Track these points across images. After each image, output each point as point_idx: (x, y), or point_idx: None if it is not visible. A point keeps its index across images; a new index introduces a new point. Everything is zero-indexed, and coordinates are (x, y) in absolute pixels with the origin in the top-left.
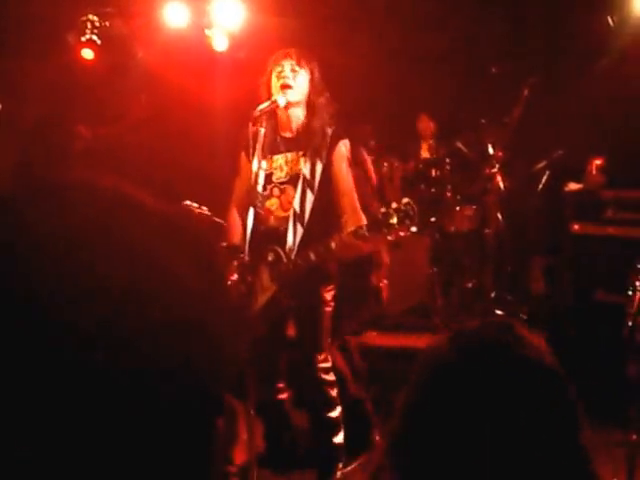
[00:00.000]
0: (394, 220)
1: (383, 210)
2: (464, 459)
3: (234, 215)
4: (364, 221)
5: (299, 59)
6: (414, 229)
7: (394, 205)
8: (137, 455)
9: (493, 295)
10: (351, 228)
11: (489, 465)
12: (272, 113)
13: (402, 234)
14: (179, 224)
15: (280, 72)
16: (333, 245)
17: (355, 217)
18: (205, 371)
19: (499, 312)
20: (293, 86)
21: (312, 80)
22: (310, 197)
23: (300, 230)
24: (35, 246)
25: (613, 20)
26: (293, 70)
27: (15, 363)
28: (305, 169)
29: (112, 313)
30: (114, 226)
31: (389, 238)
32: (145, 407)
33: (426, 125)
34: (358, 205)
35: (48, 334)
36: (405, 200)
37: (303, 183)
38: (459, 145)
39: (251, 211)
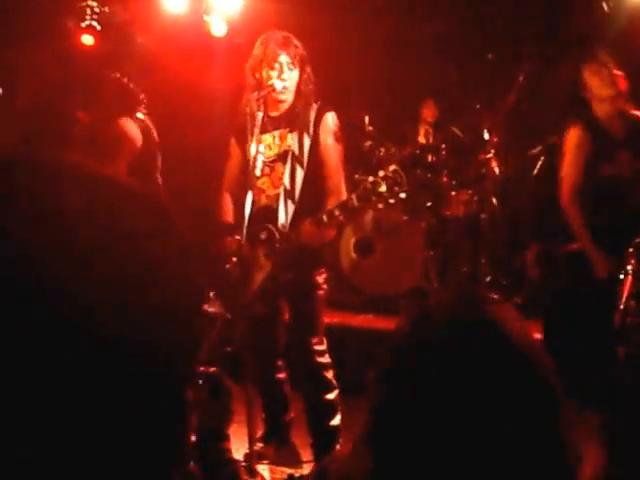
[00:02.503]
0: (383, 188)
1: (372, 179)
2: (431, 445)
3: (226, 197)
4: (342, 198)
5: (294, 55)
6: (403, 195)
7: (381, 173)
8: (107, 425)
9: (488, 279)
10: (333, 204)
11: (459, 450)
12: (266, 95)
13: (392, 201)
14: (162, 205)
15: (280, 72)
16: (325, 219)
17: (336, 195)
18: (171, 343)
19: (494, 296)
20: (289, 86)
21: (302, 72)
22: (300, 173)
23: (291, 206)
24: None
25: (608, 5)
26: (290, 69)
27: (11, 360)
28: (293, 145)
29: (98, 295)
30: (100, 209)
31: (379, 206)
32: (113, 385)
33: (432, 112)
34: (342, 183)
35: (45, 328)
36: (392, 167)
37: (292, 159)
38: (455, 130)
39: (249, 195)
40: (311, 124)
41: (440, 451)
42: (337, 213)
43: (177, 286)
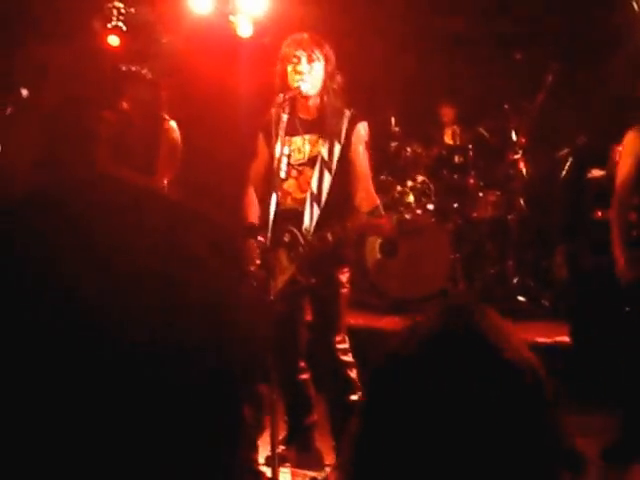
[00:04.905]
0: (411, 198)
1: (399, 189)
2: (415, 456)
3: (251, 196)
4: (378, 201)
5: (312, 48)
6: (431, 207)
7: (410, 183)
8: (162, 441)
9: (515, 281)
10: (365, 209)
11: (447, 461)
12: (292, 98)
13: (419, 212)
14: (201, 216)
15: (296, 65)
16: (350, 226)
17: (369, 199)
18: (233, 357)
19: (521, 298)
20: (309, 80)
21: (326, 66)
22: (328, 178)
23: (317, 211)
24: (73, 241)
25: (638, 5)
26: (308, 62)
27: (49, 362)
28: (323, 150)
29: (146, 305)
30: (142, 220)
31: (406, 216)
32: (172, 395)
33: (447, 112)
34: (372, 188)
35: (84, 331)
36: (420, 178)
37: (321, 164)
38: (482, 131)
39: (274, 197)
40: (343, 132)
41: (423, 463)
42: (364, 220)
43: (240, 304)
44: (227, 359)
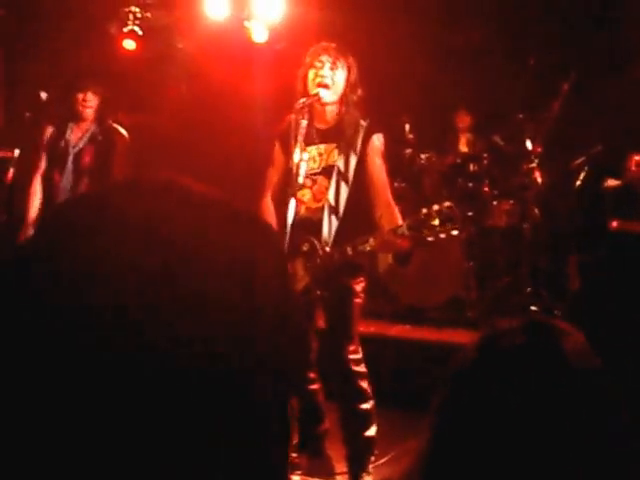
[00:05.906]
0: (436, 222)
1: (425, 211)
2: (489, 465)
3: (267, 203)
4: (400, 220)
5: (337, 56)
6: (455, 233)
7: (435, 207)
8: (210, 433)
9: (529, 290)
10: (388, 226)
11: (517, 470)
12: (310, 105)
13: (443, 236)
14: (241, 211)
15: (319, 69)
16: (372, 242)
17: (390, 214)
18: (289, 357)
19: (534, 308)
20: (330, 85)
21: (349, 77)
22: (344, 190)
23: (335, 222)
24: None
25: None
26: (331, 68)
27: (88, 368)
28: (339, 162)
29: (196, 307)
30: (188, 224)
31: (429, 239)
32: (220, 390)
33: (462, 119)
34: (392, 201)
35: (127, 337)
36: (447, 204)
37: (337, 176)
38: (497, 140)
39: (292, 202)
40: (359, 143)
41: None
42: (386, 237)
43: (288, 304)
44: (284, 359)
